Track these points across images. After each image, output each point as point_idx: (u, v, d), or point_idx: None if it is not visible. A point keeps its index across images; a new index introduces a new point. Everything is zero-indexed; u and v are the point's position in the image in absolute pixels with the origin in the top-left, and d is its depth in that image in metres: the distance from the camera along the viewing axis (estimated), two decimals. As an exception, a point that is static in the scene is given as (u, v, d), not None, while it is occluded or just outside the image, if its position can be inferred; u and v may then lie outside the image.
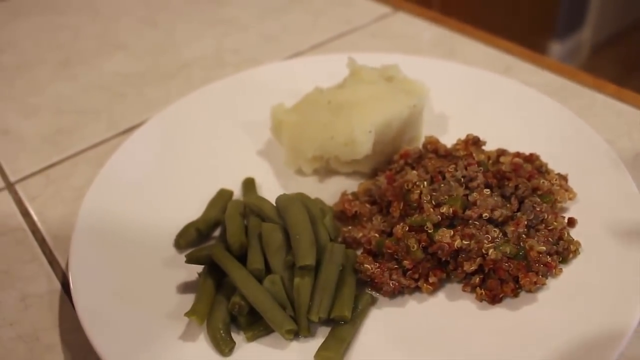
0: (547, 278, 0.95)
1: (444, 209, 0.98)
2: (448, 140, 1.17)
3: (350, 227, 1.06)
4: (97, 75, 1.66)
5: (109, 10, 1.98)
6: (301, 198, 1.02)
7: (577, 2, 4.23)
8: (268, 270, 0.94)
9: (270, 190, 1.18)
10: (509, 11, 3.69)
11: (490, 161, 1.10)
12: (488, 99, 1.32)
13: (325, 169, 1.20)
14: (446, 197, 0.99)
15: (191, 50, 1.73)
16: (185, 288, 1.00)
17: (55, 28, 1.90)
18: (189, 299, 0.97)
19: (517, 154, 1.12)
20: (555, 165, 1.13)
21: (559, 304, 0.93)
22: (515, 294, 0.94)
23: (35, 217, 1.23)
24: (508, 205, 1.00)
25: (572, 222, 1.04)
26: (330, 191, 1.17)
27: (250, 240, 0.97)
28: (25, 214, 1.24)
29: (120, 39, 1.82)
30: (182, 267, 1.01)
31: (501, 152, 1.14)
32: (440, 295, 0.98)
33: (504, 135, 1.19)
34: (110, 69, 1.68)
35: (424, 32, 1.70)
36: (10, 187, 1.32)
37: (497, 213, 0.97)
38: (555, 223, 1.01)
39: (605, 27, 4.46)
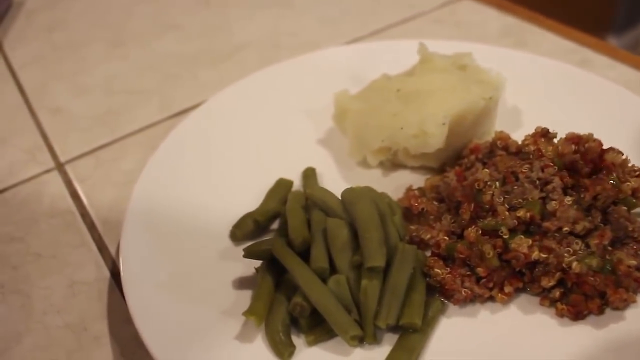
0: (637, 294, 0.87)
1: (520, 214, 0.89)
2: (521, 136, 1.08)
3: (417, 226, 0.98)
4: (148, 56, 1.61)
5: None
6: (369, 193, 0.95)
7: (638, -4, 4.06)
8: (332, 269, 0.87)
9: (332, 181, 1.11)
10: (566, 2, 3.54)
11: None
12: (565, 93, 1.23)
13: (391, 162, 1.12)
14: (520, 200, 0.91)
15: (245, 32, 1.67)
16: (241, 283, 0.94)
17: (108, 6, 1.86)
18: (246, 296, 0.92)
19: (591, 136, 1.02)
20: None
21: (651, 323, 0.84)
22: (600, 310, 0.86)
23: (84, 200, 1.18)
24: (589, 217, 0.91)
25: (662, 233, 0.95)
26: (394, 185, 1.09)
27: (314, 236, 0.90)
28: (75, 196, 1.20)
29: (173, 19, 1.77)
30: (239, 260, 0.95)
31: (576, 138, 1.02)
32: (515, 307, 0.90)
33: (582, 132, 1.10)
34: (163, 49, 1.63)
35: (491, 19, 1.61)
36: (60, 167, 1.28)
37: (579, 227, 0.88)
38: (644, 232, 0.92)
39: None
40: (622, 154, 0.95)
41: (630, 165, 0.96)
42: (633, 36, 4.24)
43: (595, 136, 1.08)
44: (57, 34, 1.75)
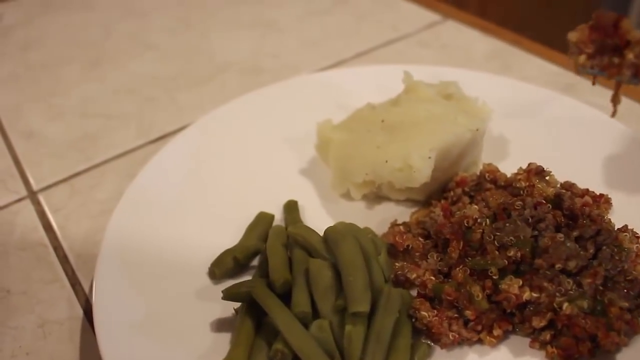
0: (628, 337, 0.84)
1: (510, 253, 0.87)
2: (507, 166, 1.06)
3: (402, 264, 0.95)
4: (126, 77, 1.57)
5: (142, 8, 1.89)
6: (353, 231, 0.91)
7: (618, 9, 4.08)
8: (315, 313, 0.84)
9: (314, 214, 1.08)
10: (546, 19, 3.56)
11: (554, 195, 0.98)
12: (551, 121, 1.21)
13: (375, 194, 1.09)
14: (512, 238, 0.88)
15: (226, 54, 1.64)
16: (220, 325, 0.90)
17: (85, 25, 1.82)
18: (225, 339, 0.88)
19: (586, 192, 1.01)
20: (625, 197, 1.03)
21: (642, 367, 0.82)
22: (592, 354, 0.83)
23: (57, 232, 1.14)
24: (582, 253, 0.88)
25: (653, 271, 0.93)
26: (378, 219, 1.06)
27: (296, 278, 0.87)
28: (47, 227, 1.15)
29: (152, 39, 1.73)
30: (217, 301, 0.90)
31: (569, 187, 1.02)
32: (504, 349, 0.87)
33: (568, 163, 1.09)
34: (141, 70, 1.59)
35: (476, 42, 1.59)
36: (32, 196, 1.23)
37: (571, 264, 0.86)
38: (634, 272, 0.90)
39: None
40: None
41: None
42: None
43: (581, 168, 1.08)
44: (31, 53, 1.71)
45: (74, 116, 1.45)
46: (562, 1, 3.58)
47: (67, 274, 1.05)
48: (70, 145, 1.35)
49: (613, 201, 1.03)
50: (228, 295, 0.88)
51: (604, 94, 1.36)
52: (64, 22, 1.84)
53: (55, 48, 1.72)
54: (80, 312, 0.99)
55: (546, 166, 1.03)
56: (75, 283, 1.04)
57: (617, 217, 0.99)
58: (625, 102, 1.33)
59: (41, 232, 1.14)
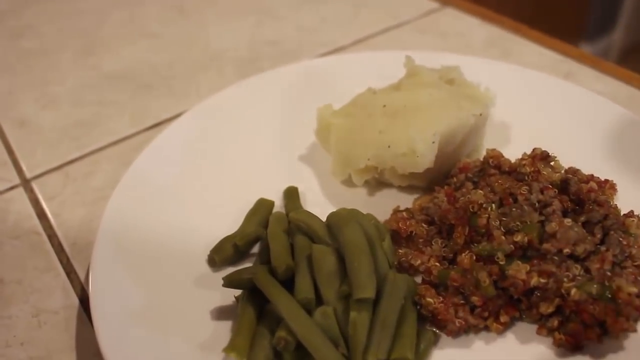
0: (637, 323, 0.83)
1: (517, 238, 0.85)
2: (510, 152, 1.04)
3: (406, 250, 0.93)
4: (121, 65, 1.54)
5: (136, -5, 1.86)
6: (356, 216, 0.89)
7: (610, 4, 4.08)
8: (318, 300, 0.82)
9: (314, 201, 1.06)
10: (539, 9, 3.55)
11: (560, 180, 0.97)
12: (553, 107, 1.20)
13: (377, 180, 1.07)
14: (518, 223, 0.87)
15: (223, 41, 1.61)
16: (220, 314, 0.88)
17: (79, 12, 1.79)
18: (225, 328, 0.86)
19: (591, 177, 0.99)
20: (629, 183, 1.02)
21: (651, 353, 0.80)
22: (600, 340, 0.82)
23: (52, 220, 1.11)
24: (590, 238, 0.87)
25: (660, 256, 0.91)
26: (381, 205, 1.04)
27: (298, 264, 0.85)
28: (42, 215, 1.13)
29: (147, 27, 1.70)
30: (217, 288, 0.89)
31: (573, 172, 1.01)
32: (511, 336, 0.85)
33: (571, 148, 1.07)
34: (136, 58, 1.57)
35: (475, 29, 1.57)
36: (26, 184, 1.20)
37: (579, 248, 0.84)
38: (642, 258, 0.88)
39: (637, 30, 4.29)
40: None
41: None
42: (605, 43, 4.26)
43: (583, 152, 1.07)
44: (24, 41, 1.67)
45: (67, 104, 1.42)
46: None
47: (61, 263, 1.03)
48: (64, 133, 1.33)
49: (617, 187, 1.02)
50: (229, 282, 0.86)
51: (605, 80, 1.35)
52: (57, 9, 1.81)
53: (48, 35, 1.69)
54: (75, 301, 0.97)
55: (549, 152, 1.01)
56: (70, 271, 1.02)
57: (621, 203, 0.97)
58: (622, 87, 1.32)
59: (35, 220, 1.12)
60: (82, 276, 1.01)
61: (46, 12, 1.80)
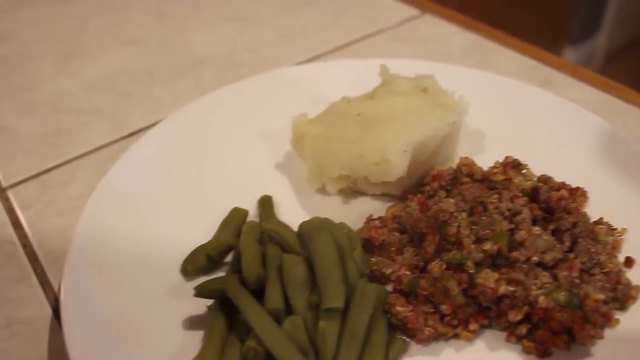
0: (604, 330, 0.84)
1: (487, 246, 0.86)
2: (484, 160, 1.05)
3: (377, 259, 0.94)
4: (101, 72, 1.54)
5: (117, 2, 1.86)
6: (328, 226, 0.90)
7: (594, 8, 4.12)
8: (288, 309, 0.82)
9: (289, 210, 1.06)
10: (524, 13, 3.57)
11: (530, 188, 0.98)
12: (528, 115, 1.21)
13: (351, 189, 1.08)
14: (488, 231, 0.88)
15: (203, 47, 1.61)
16: (192, 323, 0.88)
17: (59, 18, 1.78)
18: (197, 337, 0.86)
19: (563, 185, 1.00)
20: (601, 190, 1.03)
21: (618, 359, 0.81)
22: (567, 347, 0.83)
23: (27, 229, 1.11)
24: (559, 245, 0.88)
25: (629, 263, 0.93)
26: (355, 213, 1.05)
27: (269, 274, 0.85)
28: (17, 224, 1.12)
29: (127, 33, 1.70)
30: (189, 298, 0.89)
31: (545, 180, 1.02)
32: (480, 344, 0.86)
33: (544, 156, 1.09)
34: (116, 65, 1.56)
35: (454, 36, 1.58)
36: (1, 192, 1.20)
37: (548, 256, 0.86)
38: (610, 265, 0.89)
39: (621, 34, 4.33)
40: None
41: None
42: (589, 47, 4.30)
43: (557, 160, 1.08)
44: (3, 47, 1.67)
45: (46, 111, 1.42)
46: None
47: (36, 272, 1.03)
48: (42, 141, 1.33)
49: (589, 194, 1.03)
50: (200, 292, 0.86)
51: (581, 87, 1.36)
52: (37, 15, 1.81)
53: (27, 42, 1.69)
54: (49, 311, 0.97)
55: (523, 160, 1.02)
56: (44, 281, 1.01)
57: (593, 210, 0.98)
58: (599, 94, 1.34)
59: (10, 229, 1.12)
60: (56, 286, 1.01)
61: (25, 18, 1.79)
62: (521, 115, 1.21)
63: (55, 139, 1.33)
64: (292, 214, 1.04)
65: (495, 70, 1.41)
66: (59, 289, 0.98)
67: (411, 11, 1.70)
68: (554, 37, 4.05)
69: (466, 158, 1.04)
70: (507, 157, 1.02)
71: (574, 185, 1.02)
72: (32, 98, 1.46)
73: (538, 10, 3.72)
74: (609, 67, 4.34)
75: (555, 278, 0.86)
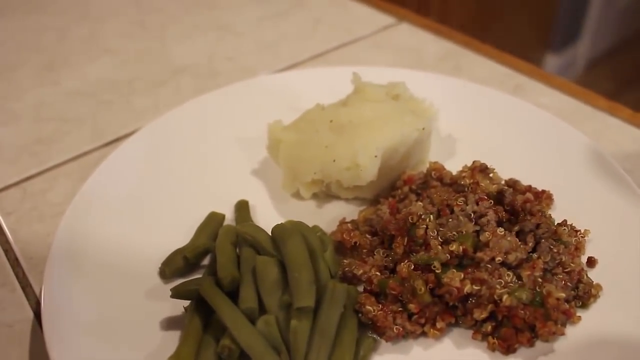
0: (565, 326, 0.87)
1: (453, 247, 0.90)
2: (454, 164, 1.09)
3: (349, 261, 0.97)
4: (81, 81, 1.56)
5: (97, 12, 1.88)
6: (300, 228, 0.93)
7: (574, 16, 4.18)
8: (262, 309, 0.85)
9: (265, 214, 1.09)
10: (505, 22, 3.63)
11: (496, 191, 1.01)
12: (498, 121, 1.25)
13: (325, 193, 1.11)
14: (454, 233, 0.91)
15: (182, 56, 1.64)
16: (170, 324, 0.91)
17: (39, 29, 1.80)
18: (174, 337, 0.89)
19: (529, 188, 1.04)
20: (567, 193, 1.07)
21: (579, 355, 0.85)
22: (531, 343, 0.86)
23: (9, 235, 1.13)
24: (522, 245, 0.92)
25: (591, 262, 0.97)
26: (329, 217, 1.08)
27: (243, 275, 0.88)
28: (-2, 230, 1.14)
29: (107, 43, 1.72)
30: (167, 300, 0.91)
31: (512, 183, 1.06)
32: (448, 341, 0.90)
33: (514, 161, 1.13)
34: (96, 74, 1.59)
35: (429, 44, 1.62)
36: (-17, 200, 1.22)
37: (511, 256, 0.89)
38: (572, 264, 0.93)
39: (602, 41, 4.41)
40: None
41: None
42: (571, 54, 4.36)
43: (526, 165, 1.12)
44: (-16, 57, 1.69)
45: (27, 120, 1.44)
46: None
47: (17, 277, 1.05)
48: (24, 149, 1.34)
49: (555, 197, 1.07)
50: (176, 293, 0.89)
51: (551, 94, 1.41)
52: (17, 25, 1.82)
53: (8, 52, 1.70)
54: (30, 314, 0.99)
55: (492, 164, 1.06)
56: (26, 285, 1.03)
57: (559, 213, 1.02)
58: (569, 101, 1.38)
59: (-9, 235, 1.14)
60: (37, 290, 1.03)
61: (6, 28, 1.81)
62: (492, 120, 1.25)
63: (37, 147, 1.35)
64: (268, 218, 1.07)
65: (468, 76, 1.46)
66: (40, 292, 1.01)
67: (388, 20, 1.74)
68: (536, 44, 4.12)
69: (436, 162, 1.08)
70: (474, 162, 1.06)
71: (540, 188, 1.06)
72: (13, 107, 1.48)
73: (520, 19, 3.78)
74: (590, 73, 4.42)
75: (518, 277, 0.90)
